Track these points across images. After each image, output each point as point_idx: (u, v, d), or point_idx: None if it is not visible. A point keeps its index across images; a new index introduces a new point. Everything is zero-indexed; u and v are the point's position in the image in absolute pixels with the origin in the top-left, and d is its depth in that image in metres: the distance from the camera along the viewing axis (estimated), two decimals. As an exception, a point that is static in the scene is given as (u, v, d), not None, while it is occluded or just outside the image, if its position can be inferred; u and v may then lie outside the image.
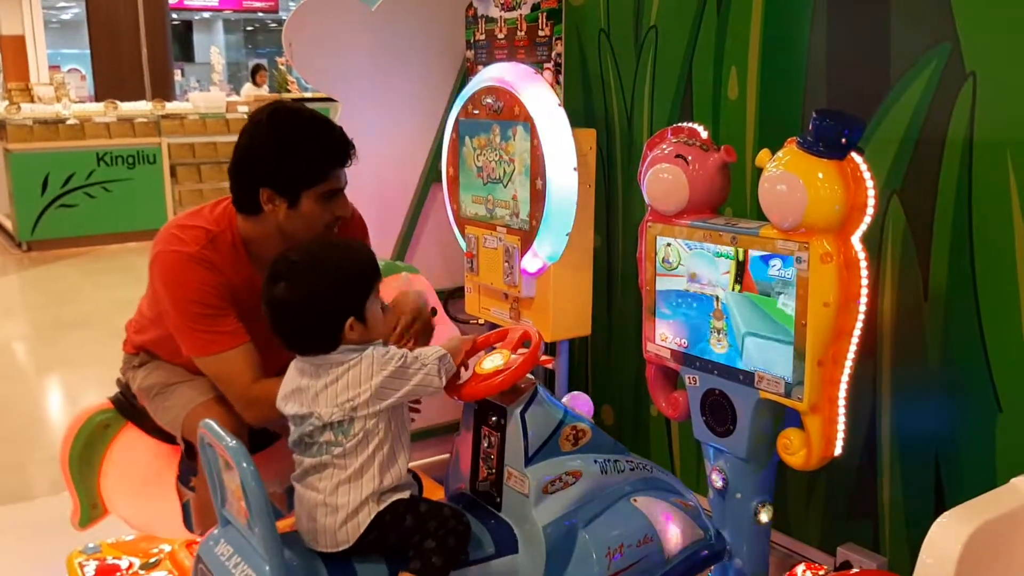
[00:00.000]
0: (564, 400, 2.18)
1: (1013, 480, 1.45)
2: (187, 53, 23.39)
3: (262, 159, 2.12)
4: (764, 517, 2.31)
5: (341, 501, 1.77)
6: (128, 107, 9.24)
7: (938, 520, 1.34)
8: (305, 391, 1.83)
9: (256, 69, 12.53)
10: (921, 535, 2.43)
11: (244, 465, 1.60)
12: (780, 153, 2.09)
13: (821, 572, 1.26)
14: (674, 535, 2.08)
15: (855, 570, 2.52)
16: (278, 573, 1.62)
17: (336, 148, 2.15)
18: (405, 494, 1.85)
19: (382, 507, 1.79)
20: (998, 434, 2.28)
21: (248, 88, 11.79)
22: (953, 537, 1.30)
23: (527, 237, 2.88)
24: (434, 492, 2.80)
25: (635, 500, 2.08)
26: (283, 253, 1.86)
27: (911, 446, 2.48)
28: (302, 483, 1.85)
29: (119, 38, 13.37)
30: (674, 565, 2.07)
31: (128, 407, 2.46)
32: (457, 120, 3.15)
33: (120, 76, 13.33)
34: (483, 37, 3.36)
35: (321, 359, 1.82)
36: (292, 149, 2.10)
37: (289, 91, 12.88)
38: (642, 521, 2.04)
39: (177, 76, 16.86)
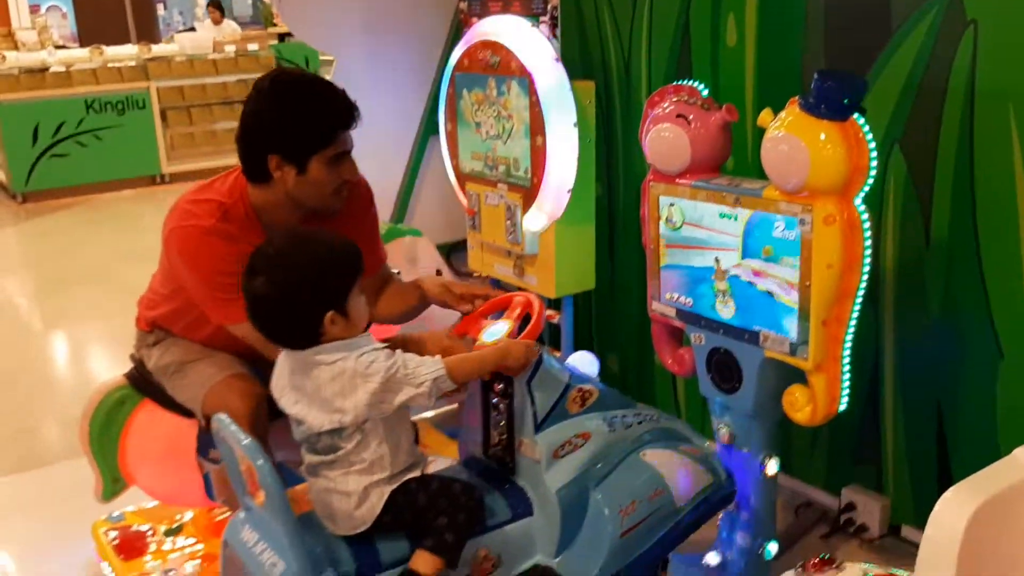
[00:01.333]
0: (569, 361, 2.20)
1: (1016, 451, 1.49)
2: (168, -15, 22.83)
3: (268, 126, 2.12)
4: (771, 470, 2.37)
5: (352, 488, 1.80)
6: (113, 51, 9.08)
7: (943, 496, 1.38)
8: (299, 390, 1.81)
9: (208, 4, 11.93)
10: (924, 477, 2.52)
11: (260, 462, 1.64)
12: (782, 114, 2.08)
13: (834, 565, 1.31)
14: (684, 484, 2.12)
15: (857, 517, 2.60)
16: (300, 562, 1.67)
17: (341, 110, 2.14)
18: (416, 472, 1.87)
19: (394, 486, 1.82)
20: (1000, 378, 2.32)
21: (207, 27, 11.27)
22: (958, 513, 1.34)
23: (528, 195, 2.88)
24: (443, 448, 2.86)
25: (644, 454, 2.11)
26: (260, 246, 1.83)
27: (914, 390, 2.53)
28: (312, 474, 1.87)
29: (99, -28, 13.09)
30: (687, 512, 2.12)
31: (144, 383, 2.49)
32: (453, 74, 3.12)
33: (102, 13, 13.07)
34: (476, -12, 3.31)
35: (303, 357, 1.79)
36: (297, 114, 2.10)
37: (275, 24, 12.66)
38: (652, 474, 2.08)
39: (159, 10, 16.52)
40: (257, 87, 2.17)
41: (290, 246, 1.80)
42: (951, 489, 1.39)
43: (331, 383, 1.75)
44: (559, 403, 2.02)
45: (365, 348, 1.78)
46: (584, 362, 2.47)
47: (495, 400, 2.07)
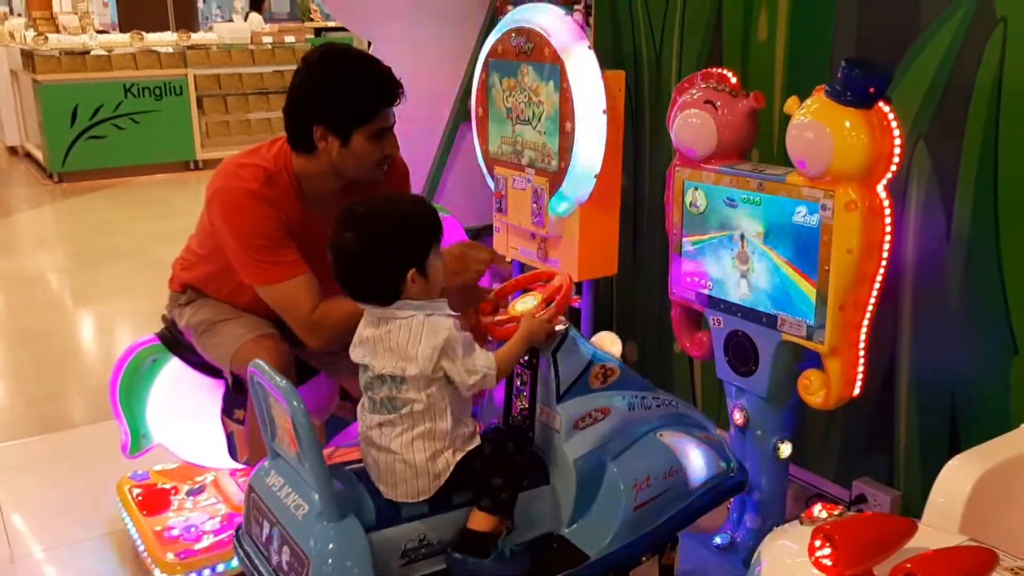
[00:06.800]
0: (593, 340, 2.25)
1: (1023, 425, 1.52)
2: (208, -22, 23.08)
3: (315, 98, 2.21)
4: (783, 453, 2.40)
5: (418, 458, 1.83)
6: (153, 38, 9.22)
7: (949, 463, 1.41)
8: (369, 341, 1.87)
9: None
10: (935, 470, 2.51)
11: (295, 404, 1.69)
12: (808, 101, 2.12)
13: (836, 511, 1.34)
14: (698, 468, 2.17)
15: (868, 509, 2.62)
16: (328, 503, 1.72)
17: (386, 87, 2.23)
18: (477, 441, 1.90)
19: (459, 458, 1.85)
20: (1013, 375, 2.34)
21: (254, 17, 11.45)
22: (963, 479, 1.38)
23: (555, 179, 2.93)
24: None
25: (661, 435, 2.17)
26: (350, 205, 1.89)
27: (928, 385, 2.55)
28: (374, 439, 1.89)
29: (141, -38, 13.25)
30: (698, 496, 2.17)
31: (174, 342, 2.56)
32: (486, 60, 3.17)
33: (143, 2, 13.23)
34: (513, -24, 3.37)
35: (380, 312, 1.86)
36: (344, 88, 2.19)
37: (312, 19, 12.81)
38: (668, 455, 2.13)
39: (199, 3, 16.72)
40: (306, 60, 2.26)
41: (378, 205, 1.88)
42: (957, 456, 1.42)
43: (401, 332, 1.82)
44: (582, 377, 2.07)
45: (436, 311, 1.85)
46: (608, 341, 2.50)
47: (519, 370, 2.12)
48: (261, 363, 1.83)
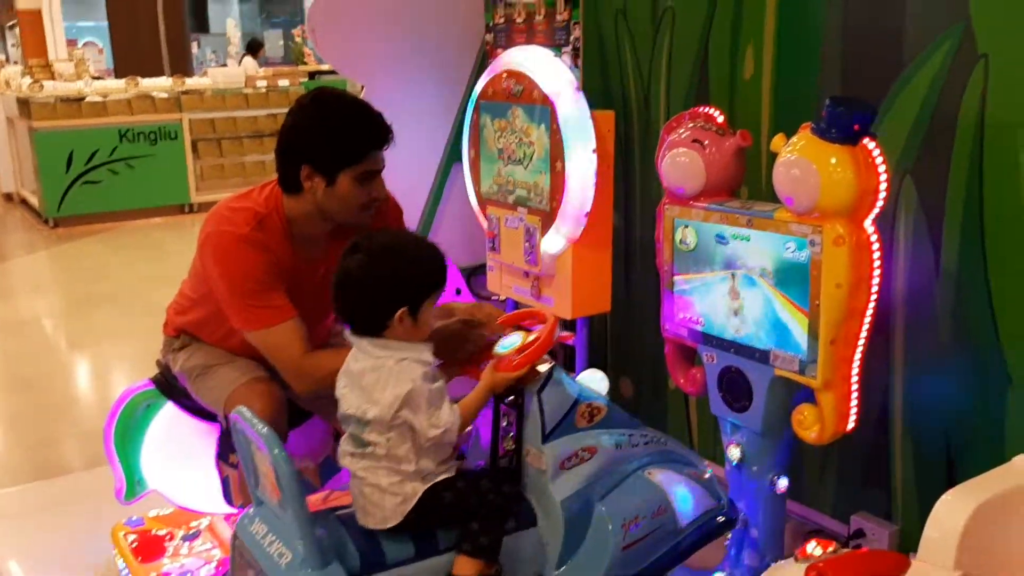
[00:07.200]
0: (579, 378, 2.25)
1: (1015, 459, 1.53)
2: (202, 24, 23.33)
3: (304, 138, 2.24)
4: (780, 488, 2.40)
5: (383, 481, 1.84)
6: (148, 83, 9.31)
7: (942, 497, 1.42)
8: (349, 373, 1.90)
9: (255, 45, 12.41)
10: (932, 503, 2.52)
11: (276, 451, 1.68)
12: (794, 138, 2.15)
13: (831, 548, 1.34)
14: (687, 505, 2.15)
15: (866, 544, 2.61)
16: (310, 551, 1.70)
17: (374, 130, 2.25)
18: (451, 472, 1.90)
19: (427, 486, 1.85)
20: (1008, 406, 2.34)
21: (248, 62, 11.65)
22: (957, 513, 1.38)
23: (548, 218, 2.95)
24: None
25: (650, 473, 2.15)
26: (370, 233, 1.93)
27: (923, 418, 2.55)
28: (349, 466, 1.92)
29: (136, 10, 13.39)
30: (688, 534, 2.15)
31: (168, 387, 2.57)
32: (478, 102, 3.21)
33: (138, 49, 13.36)
34: (502, 20, 3.41)
35: (360, 344, 1.88)
36: (333, 129, 2.21)
37: (305, 63, 12.93)
38: (656, 493, 2.12)
39: (193, 48, 16.89)
40: (299, 101, 2.30)
41: (391, 238, 1.94)
42: (951, 491, 1.43)
43: (370, 374, 1.84)
44: (568, 416, 2.06)
45: (410, 356, 1.85)
46: (594, 379, 2.51)
47: (505, 409, 2.12)
48: (244, 410, 1.83)
